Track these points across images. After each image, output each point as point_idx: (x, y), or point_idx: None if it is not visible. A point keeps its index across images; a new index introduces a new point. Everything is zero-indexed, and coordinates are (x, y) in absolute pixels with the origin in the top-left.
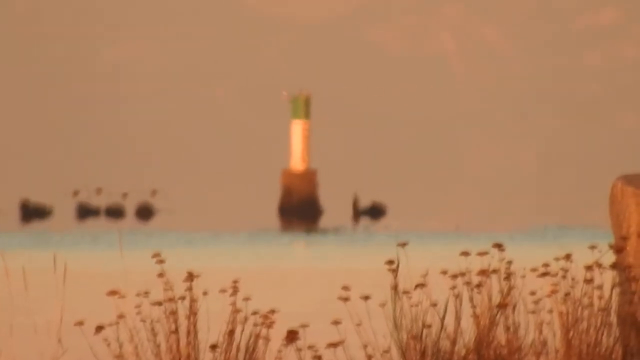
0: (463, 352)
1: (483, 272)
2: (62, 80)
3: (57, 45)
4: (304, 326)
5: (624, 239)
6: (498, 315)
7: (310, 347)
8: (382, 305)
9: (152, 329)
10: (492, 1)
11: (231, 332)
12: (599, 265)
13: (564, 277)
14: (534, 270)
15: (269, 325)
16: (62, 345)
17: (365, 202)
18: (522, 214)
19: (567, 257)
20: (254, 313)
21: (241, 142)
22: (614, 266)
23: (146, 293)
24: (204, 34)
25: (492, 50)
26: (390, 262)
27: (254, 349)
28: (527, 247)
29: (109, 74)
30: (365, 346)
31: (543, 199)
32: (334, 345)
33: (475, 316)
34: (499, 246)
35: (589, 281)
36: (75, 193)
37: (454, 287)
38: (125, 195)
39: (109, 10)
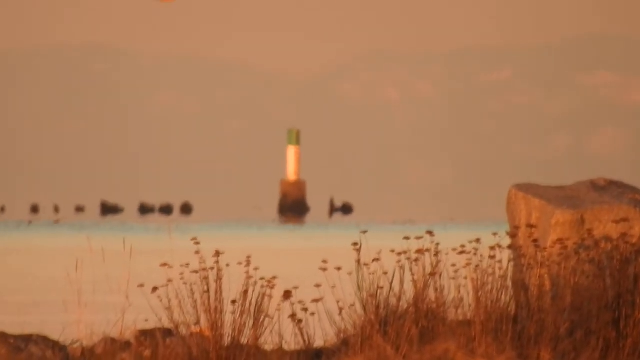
0: (405, 306)
1: (419, 251)
2: (130, 121)
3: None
4: (295, 288)
5: (517, 228)
6: (429, 281)
7: (300, 302)
8: (349, 273)
9: (191, 290)
10: (423, 64)
11: (246, 292)
12: (499, 246)
13: (475, 254)
14: (454, 249)
15: (272, 287)
16: (129, 301)
17: (338, 203)
18: (445, 210)
19: (477, 240)
20: (261, 279)
21: (252, 161)
22: (509, 247)
23: (187, 265)
24: (225, 84)
25: (423, 98)
26: (355, 244)
27: (261, 303)
28: (449, 234)
29: (162, 112)
30: (338, 302)
31: (459, 200)
32: (316, 300)
33: (414, 281)
34: (430, 233)
35: (492, 257)
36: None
37: (399, 261)
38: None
39: (166, 71)
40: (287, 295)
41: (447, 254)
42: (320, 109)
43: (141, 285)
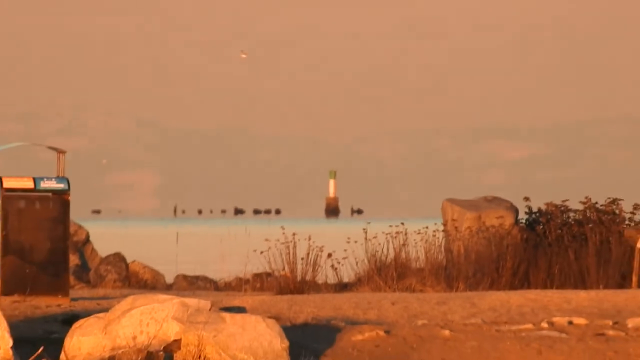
0: (390, 261)
1: (397, 233)
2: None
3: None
4: (333, 251)
5: (447, 221)
6: (402, 248)
7: (335, 259)
8: (362, 244)
9: (280, 252)
10: (404, 136)
11: (308, 254)
12: (438, 230)
13: (425, 234)
14: (415, 231)
15: (321, 251)
16: (248, 258)
17: (355, 208)
18: (411, 211)
19: (427, 227)
20: (316, 247)
21: (312, 187)
22: (443, 230)
23: (277, 240)
24: (292, 148)
25: (403, 155)
26: (364, 229)
27: (316, 259)
28: (414, 224)
29: (266, 145)
30: (355, 259)
31: (419, 207)
32: (344, 258)
33: (394, 248)
34: (402, 223)
35: (434, 236)
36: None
37: (387, 238)
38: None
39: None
40: (329, 255)
41: (411, 233)
42: (348, 160)
43: (254, 250)
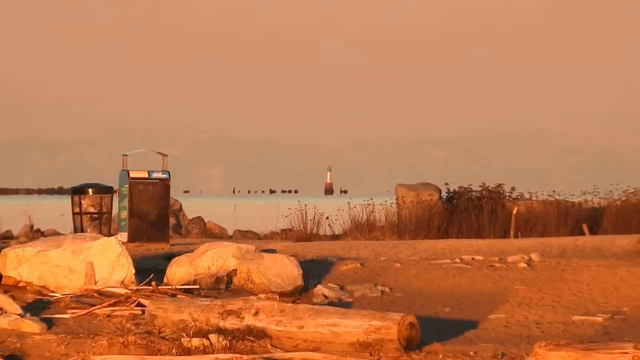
0: (363, 221)
1: (369, 204)
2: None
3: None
4: (329, 215)
5: (398, 197)
6: (371, 212)
7: (330, 220)
8: (347, 211)
9: (297, 216)
10: (392, 146)
11: (314, 217)
12: (393, 203)
13: (385, 205)
14: (379, 204)
15: (322, 215)
16: (281, 219)
17: (343, 189)
18: (376, 190)
19: (386, 201)
20: (319, 212)
21: (315, 176)
22: (396, 203)
23: (296, 208)
24: (301, 155)
25: (390, 155)
26: (348, 202)
27: (319, 220)
28: (378, 199)
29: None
30: (342, 220)
31: (384, 186)
32: (336, 219)
33: (366, 213)
34: (371, 199)
35: (390, 206)
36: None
37: (362, 208)
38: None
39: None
40: (327, 218)
41: (377, 205)
42: (339, 159)
43: (282, 215)
